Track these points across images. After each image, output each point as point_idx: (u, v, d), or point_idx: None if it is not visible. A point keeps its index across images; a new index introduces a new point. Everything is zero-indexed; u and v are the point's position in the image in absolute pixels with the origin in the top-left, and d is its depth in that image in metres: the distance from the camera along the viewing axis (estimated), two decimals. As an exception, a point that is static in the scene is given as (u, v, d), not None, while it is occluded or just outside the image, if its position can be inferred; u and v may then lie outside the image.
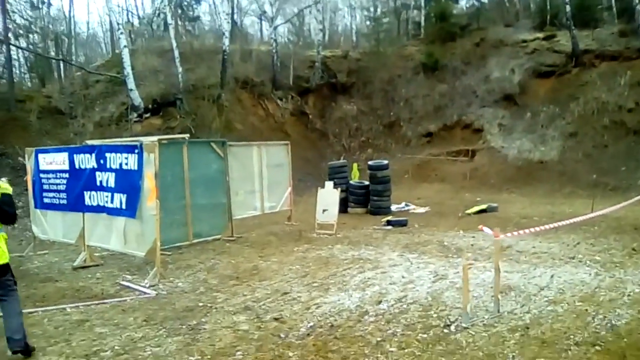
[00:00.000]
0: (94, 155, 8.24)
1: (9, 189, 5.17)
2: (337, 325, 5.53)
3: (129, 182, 7.71)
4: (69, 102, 18.18)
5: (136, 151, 7.56)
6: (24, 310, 5.46)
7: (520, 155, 19.24)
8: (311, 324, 5.59)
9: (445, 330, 5.29)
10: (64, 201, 8.92)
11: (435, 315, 5.74)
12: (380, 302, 6.27)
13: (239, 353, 4.87)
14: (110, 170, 7.96)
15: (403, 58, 25.99)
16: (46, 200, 9.36)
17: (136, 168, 7.58)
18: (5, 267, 4.93)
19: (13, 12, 18.36)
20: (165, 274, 7.81)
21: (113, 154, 7.92)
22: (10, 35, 17.64)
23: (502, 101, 21.78)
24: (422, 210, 14.52)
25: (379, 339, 5.14)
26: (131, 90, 17.88)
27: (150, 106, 18.52)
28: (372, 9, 32.10)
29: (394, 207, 14.46)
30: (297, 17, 31.12)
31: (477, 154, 20.61)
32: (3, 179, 5.89)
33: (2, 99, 16.97)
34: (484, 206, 13.55)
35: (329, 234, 10.89)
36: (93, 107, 18.39)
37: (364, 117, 24.31)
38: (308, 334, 5.30)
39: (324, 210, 11.18)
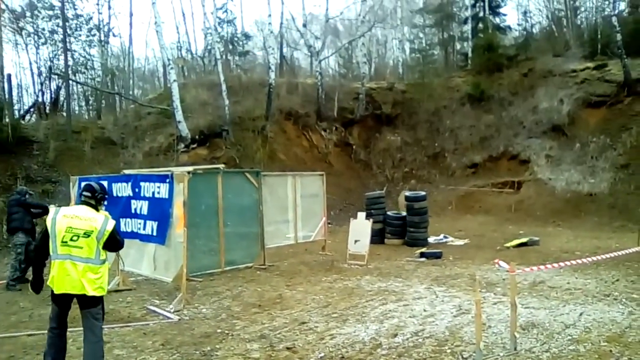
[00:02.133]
0: (130, 184, 8.63)
1: (108, 216, 5.17)
2: (348, 357, 5.53)
3: (160, 210, 8.02)
4: (121, 133, 19.09)
5: (167, 181, 7.88)
6: None
7: (569, 187, 18.65)
8: (322, 354, 5.61)
9: (457, 366, 5.21)
10: (103, 227, 9.33)
11: (449, 351, 5.64)
12: (395, 335, 6.22)
13: (244, 380, 4.95)
14: (144, 198, 8.31)
15: (449, 89, 25.93)
16: (87, 226, 9.81)
17: (167, 197, 7.89)
18: (99, 299, 4.94)
19: (74, 50, 19.69)
20: (191, 299, 8.01)
21: (147, 183, 8.28)
22: (69, 70, 18.85)
23: (550, 132, 21.27)
24: (460, 242, 14.26)
25: (386, 371, 5.11)
26: (179, 122, 18.61)
27: (197, 137, 19.20)
28: (419, 42, 32.29)
29: (431, 239, 14.28)
30: (346, 50, 31.66)
31: (523, 185, 20.13)
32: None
33: (60, 130, 18.01)
34: (524, 239, 13.18)
35: (360, 265, 10.87)
36: (143, 137, 19.23)
37: (408, 148, 24.28)
38: (316, 364, 5.33)
39: (355, 241, 11.19)
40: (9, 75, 18.41)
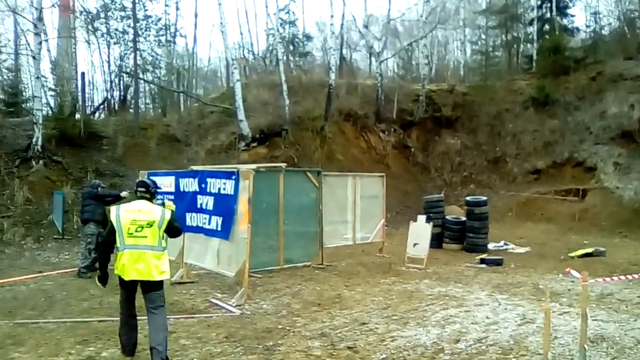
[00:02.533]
0: (196, 179, 8.89)
1: (173, 207, 5.74)
2: None
3: (225, 206, 8.21)
4: (185, 131, 19.65)
5: (233, 177, 8.06)
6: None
7: (637, 197, 17.78)
8: (383, 356, 5.61)
9: (522, 376, 5.09)
10: (168, 221, 9.65)
11: None
12: (458, 340, 6.14)
13: (308, 376, 5.01)
14: (210, 194, 8.53)
15: (512, 92, 25.22)
16: (154, 219, 10.17)
17: (232, 193, 8.07)
18: (161, 282, 5.41)
19: (143, 50, 20.52)
20: (252, 295, 8.16)
21: (213, 179, 8.50)
22: (138, 69, 19.60)
23: (618, 139, 20.30)
24: (521, 250, 13.87)
25: (448, 377, 5.05)
26: (241, 121, 18.98)
27: (257, 136, 19.52)
28: (482, 43, 31.62)
29: (491, 246, 13.96)
30: (406, 51, 31.40)
31: (588, 193, 19.34)
32: (166, 200, 6.67)
33: (128, 127, 18.72)
34: (589, 250, 12.69)
35: (418, 269, 10.77)
36: (206, 135, 19.73)
37: (467, 152, 23.81)
38: (378, 366, 5.33)
39: (414, 244, 11.09)
40: (83, 74, 19.38)
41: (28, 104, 19.29)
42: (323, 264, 11.00)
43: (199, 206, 8.81)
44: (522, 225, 18.97)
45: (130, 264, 5.16)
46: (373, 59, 31.81)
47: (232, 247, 8.21)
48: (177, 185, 9.39)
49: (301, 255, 10.94)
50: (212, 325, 6.70)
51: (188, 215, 9.03)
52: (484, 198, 14.03)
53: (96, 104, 22.20)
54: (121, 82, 20.92)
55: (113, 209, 5.49)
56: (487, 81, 25.71)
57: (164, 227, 5.29)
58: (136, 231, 5.21)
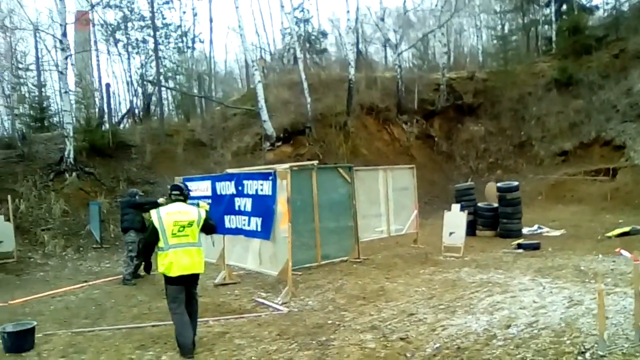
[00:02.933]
0: (233, 182, 9.02)
1: (207, 207, 6.58)
2: (464, 347, 5.54)
3: (264, 207, 8.32)
4: (209, 135, 19.86)
5: (270, 178, 8.17)
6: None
7: (671, 173, 17.53)
8: (437, 345, 5.66)
9: (580, 358, 5.08)
10: (207, 224, 9.81)
11: (568, 342, 5.52)
12: (509, 326, 6.16)
13: (366, 369, 5.09)
14: (247, 195, 8.66)
15: (533, 75, 25.01)
16: (192, 224, 10.34)
17: (270, 193, 8.18)
18: (197, 276, 6.01)
19: (164, 57, 20.71)
20: (296, 292, 8.27)
21: (250, 181, 8.62)
22: (160, 77, 19.87)
23: (646, 115, 20.02)
24: (556, 233, 13.77)
25: (507, 363, 5.09)
26: (265, 121, 19.13)
27: (281, 135, 19.65)
28: (499, 28, 31.28)
29: (525, 230, 13.89)
30: (422, 41, 31.22)
31: (618, 172, 19.05)
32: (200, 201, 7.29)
33: (154, 134, 18.98)
34: (627, 228, 12.53)
35: (456, 257, 10.78)
36: (231, 138, 19.91)
37: (492, 138, 23.67)
38: (434, 355, 5.38)
39: (450, 233, 11.10)
40: (108, 85, 19.73)
41: (54, 119, 19.69)
42: (360, 258, 11.07)
43: (237, 208, 8.94)
44: (552, 208, 18.79)
45: (177, 261, 5.68)
46: (389, 51, 31.77)
47: (273, 247, 8.32)
48: (213, 189, 9.53)
49: (337, 250, 11.02)
50: (262, 324, 6.81)
51: (227, 218, 9.17)
52: (516, 183, 13.94)
53: (119, 113, 22.54)
54: (144, 90, 21.20)
55: (154, 212, 5.90)
56: (507, 66, 25.45)
57: (201, 225, 5.93)
58: (179, 231, 5.75)
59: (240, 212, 8.86)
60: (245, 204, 8.73)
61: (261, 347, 5.85)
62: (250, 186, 8.60)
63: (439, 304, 7.28)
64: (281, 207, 7.99)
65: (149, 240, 5.96)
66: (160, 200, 10.80)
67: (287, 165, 9.56)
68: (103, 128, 18.50)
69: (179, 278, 5.72)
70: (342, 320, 6.74)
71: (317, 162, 10.86)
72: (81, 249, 13.48)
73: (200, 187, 9.93)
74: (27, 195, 14.41)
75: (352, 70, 21.28)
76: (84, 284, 10.07)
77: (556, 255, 10.65)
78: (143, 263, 9.96)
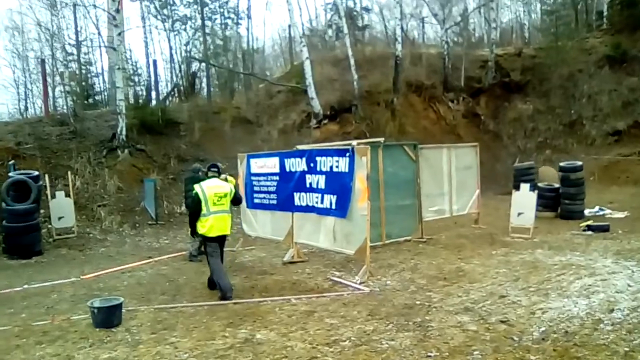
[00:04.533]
0: (304, 159, 8.82)
1: (234, 181, 8.36)
2: (572, 332, 5.28)
3: (339, 184, 8.12)
4: (255, 112, 19.69)
5: (347, 154, 7.95)
6: (254, 299, 6.98)
7: None
8: (543, 328, 5.41)
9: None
10: (274, 201, 9.67)
11: (683, 327, 5.23)
12: (612, 310, 5.88)
13: (476, 352, 4.87)
14: (321, 172, 8.45)
15: (584, 51, 24.08)
16: (256, 201, 10.22)
17: (347, 170, 7.96)
18: (224, 237, 7.49)
19: (211, 34, 20.52)
20: (372, 272, 8.07)
21: (324, 158, 8.40)
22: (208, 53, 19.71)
23: None
24: (620, 215, 13.27)
25: (626, 349, 4.81)
26: (312, 98, 18.87)
27: (328, 113, 19.37)
28: (549, 2, 30.18)
29: (586, 212, 13.43)
30: (462, 17, 30.37)
31: (676, 153, 18.34)
32: (227, 175, 8.40)
33: (201, 112, 18.89)
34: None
35: (524, 238, 10.45)
36: (276, 115, 19.71)
37: (540, 117, 22.92)
38: (543, 339, 5.13)
39: (519, 214, 10.76)
40: (155, 61, 19.66)
41: (102, 95, 19.75)
42: (424, 237, 10.84)
43: (308, 185, 8.76)
44: (606, 189, 18.15)
45: (218, 223, 7.19)
46: (427, 28, 31.06)
47: (349, 225, 8.12)
48: (282, 166, 9.36)
49: (400, 229, 10.77)
50: (347, 303, 6.64)
51: (296, 195, 9.02)
52: (580, 163, 13.46)
53: (164, 90, 22.46)
54: (189, 68, 21.08)
55: (197, 186, 7.30)
56: (557, 42, 24.54)
57: (232, 197, 7.44)
58: (218, 201, 7.22)
59: (312, 190, 8.68)
60: (317, 180, 8.53)
61: (357, 327, 5.67)
62: (324, 163, 8.40)
63: (527, 287, 7.01)
64: (360, 184, 7.77)
65: (196, 209, 7.23)
66: (222, 176, 10.74)
67: (355, 142, 9.30)
68: (151, 105, 18.45)
69: (215, 238, 7.25)
70: (431, 301, 6.54)
71: (383, 139, 10.55)
72: (137, 225, 13.51)
73: (267, 164, 9.78)
74: (82, 171, 14.49)
75: (398, 47, 20.80)
76: (150, 260, 10.06)
77: (630, 238, 10.22)
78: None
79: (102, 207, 13.64)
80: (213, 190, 7.23)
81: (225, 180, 7.79)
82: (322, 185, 8.45)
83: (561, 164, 13.65)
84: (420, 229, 10.95)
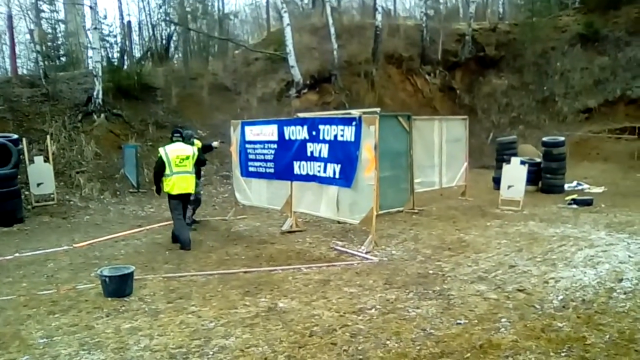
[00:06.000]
0: (305, 127, 8.68)
1: (199, 144, 9.45)
2: (589, 300, 5.43)
3: (344, 153, 8.03)
4: (232, 80, 19.23)
5: (354, 123, 7.85)
6: (265, 268, 6.93)
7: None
8: (561, 297, 5.54)
9: None
10: (271, 170, 9.51)
11: (693, 296, 5.45)
12: (621, 280, 6.08)
13: (504, 320, 4.95)
14: (324, 141, 8.34)
15: (557, 29, 24.43)
16: (251, 169, 10.04)
17: (353, 140, 7.87)
18: (190, 195, 8.41)
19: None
20: (376, 242, 8.08)
21: (327, 126, 8.28)
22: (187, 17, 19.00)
23: (676, 73, 19.78)
24: (598, 190, 13.70)
25: (647, 315, 4.98)
26: (292, 67, 18.54)
27: (308, 82, 19.11)
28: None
29: (566, 186, 13.80)
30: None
31: (646, 131, 18.97)
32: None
33: (177, 77, 18.31)
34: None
35: (514, 210, 10.67)
36: (255, 83, 19.28)
37: (514, 92, 23.27)
38: (563, 307, 5.26)
39: (509, 187, 10.96)
40: (129, 22, 18.82)
41: (73, 56, 18.89)
42: (415, 208, 10.92)
43: (309, 154, 8.65)
44: (578, 165, 18.61)
45: (178, 183, 8.05)
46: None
47: (354, 195, 8.08)
48: (280, 134, 9.19)
49: (393, 201, 10.79)
50: (360, 272, 6.64)
51: (296, 164, 8.91)
52: (562, 138, 13.78)
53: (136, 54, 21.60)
54: (163, 31, 20.32)
55: (162, 149, 8.16)
56: (533, 18, 24.79)
57: (194, 159, 8.23)
58: (180, 162, 8.03)
59: (313, 158, 8.57)
60: (320, 149, 8.42)
61: (378, 296, 5.68)
62: (328, 131, 8.28)
63: (533, 257, 7.17)
64: (367, 153, 7.71)
65: (159, 170, 8.10)
66: (215, 144, 10.54)
67: (356, 112, 9.19)
68: (125, 68, 17.77)
69: (178, 195, 8.11)
70: (443, 271, 6.60)
71: (379, 109, 10.45)
72: (118, 193, 13.11)
73: (264, 132, 9.59)
74: (57, 136, 13.88)
75: (378, 17, 20.60)
76: (142, 229, 9.80)
77: (614, 212, 10.57)
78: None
79: (81, 174, 13.14)
80: (175, 153, 8.04)
81: (192, 144, 8.84)
82: (324, 154, 8.35)
83: (544, 139, 13.94)
84: (412, 200, 11.02)
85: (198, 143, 9.49)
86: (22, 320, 5.20)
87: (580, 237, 8.25)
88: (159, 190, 8.35)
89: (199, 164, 8.59)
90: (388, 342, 4.46)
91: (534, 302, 5.43)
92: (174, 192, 8.05)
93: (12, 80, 15.79)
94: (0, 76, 18.10)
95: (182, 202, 8.27)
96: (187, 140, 9.99)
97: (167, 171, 7.99)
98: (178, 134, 8.42)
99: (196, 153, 8.34)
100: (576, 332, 4.60)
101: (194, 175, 8.34)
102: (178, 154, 8.04)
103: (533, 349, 4.27)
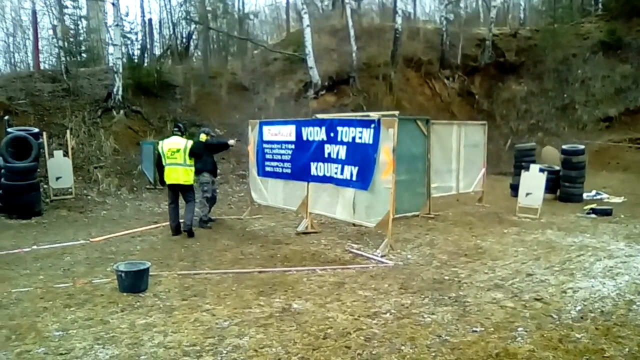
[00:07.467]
0: (324, 128, 8.66)
1: (205, 137, 9.81)
2: (608, 312, 5.33)
3: (361, 155, 8.00)
4: (251, 79, 19.28)
5: (372, 126, 7.81)
6: (279, 269, 6.91)
7: None
8: (579, 307, 5.45)
9: None
10: (288, 170, 9.51)
11: None
12: (640, 292, 5.97)
13: (520, 329, 4.87)
14: (342, 143, 8.31)
15: (579, 36, 24.14)
16: (268, 169, 10.05)
17: (371, 142, 7.84)
18: (190, 186, 8.93)
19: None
20: (391, 246, 8.03)
21: (346, 128, 8.25)
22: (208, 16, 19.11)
23: (699, 84, 19.44)
24: (617, 200, 13.47)
25: (667, 330, 4.88)
26: (311, 68, 18.54)
27: (326, 83, 19.10)
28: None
29: (585, 195, 13.61)
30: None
31: (667, 142, 18.67)
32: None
33: (196, 75, 18.41)
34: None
35: (531, 218, 10.54)
36: (273, 83, 19.33)
37: (533, 99, 23.04)
38: (582, 318, 5.17)
39: (527, 194, 10.83)
40: (150, 20, 18.99)
41: (94, 52, 19.09)
42: (431, 213, 10.85)
43: (326, 155, 8.63)
44: (597, 174, 18.37)
45: (170, 174, 8.74)
46: (419, 3, 30.65)
47: (371, 198, 8.05)
48: (298, 134, 9.19)
49: (409, 204, 10.68)
50: (375, 276, 6.59)
51: (313, 165, 8.89)
52: (582, 147, 13.57)
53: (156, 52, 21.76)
54: (184, 30, 20.45)
55: (160, 143, 8.92)
56: (555, 25, 24.53)
57: (187, 151, 8.63)
58: (171, 155, 8.63)
59: (331, 160, 8.55)
60: (338, 151, 8.40)
61: (393, 300, 5.63)
62: (346, 133, 8.25)
63: (550, 266, 7.06)
64: (385, 156, 7.67)
65: (158, 162, 8.83)
66: (231, 142, 10.55)
67: (374, 115, 9.18)
68: (146, 65, 17.91)
69: (170, 185, 8.86)
70: (459, 277, 6.53)
71: (398, 112, 10.43)
72: (135, 188, 13.20)
73: (282, 132, 9.59)
74: (76, 131, 14.03)
75: (398, 20, 20.51)
76: (158, 225, 9.85)
77: (634, 223, 10.35)
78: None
79: (99, 169, 13.26)
80: (168, 146, 8.71)
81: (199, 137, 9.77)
82: (342, 155, 8.32)
83: (564, 146, 13.74)
84: (428, 205, 10.94)
85: (204, 137, 9.86)
86: (38, 312, 5.25)
87: (599, 248, 8.12)
88: (162, 181, 8.96)
89: (195, 155, 8.83)
90: (403, 347, 4.42)
91: (551, 311, 5.34)
92: (168, 182, 8.83)
93: (35, 75, 16.01)
94: (23, 71, 18.28)
95: (178, 192, 8.90)
96: (191, 134, 10.20)
97: (163, 163, 8.73)
98: (177, 129, 9.04)
99: (188, 146, 8.67)
100: (594, 343, 4.52)
101: (187, 168, 8.70)
102: (170, 147, 8.66)
103: (550, 359, 4.21)
